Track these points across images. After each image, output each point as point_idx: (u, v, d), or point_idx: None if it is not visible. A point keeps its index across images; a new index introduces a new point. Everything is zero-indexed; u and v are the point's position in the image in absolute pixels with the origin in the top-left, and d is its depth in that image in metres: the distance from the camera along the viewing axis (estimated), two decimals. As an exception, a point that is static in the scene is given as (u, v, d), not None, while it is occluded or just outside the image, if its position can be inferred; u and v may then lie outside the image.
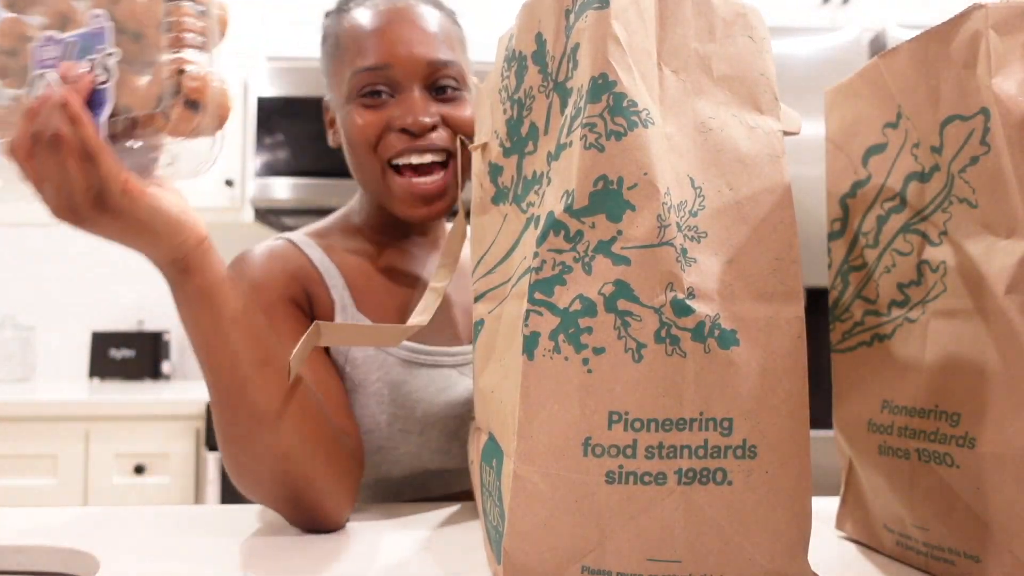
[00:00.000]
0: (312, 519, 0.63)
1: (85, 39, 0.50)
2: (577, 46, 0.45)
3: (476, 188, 0.57)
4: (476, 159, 0.57)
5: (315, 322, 0.61)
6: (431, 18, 0.75)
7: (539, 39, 0.49)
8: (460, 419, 0.77)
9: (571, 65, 0.46)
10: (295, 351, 0.59)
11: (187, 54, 0.48)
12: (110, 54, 0.49)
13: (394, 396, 0.74)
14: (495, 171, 0.54)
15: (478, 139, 0.58)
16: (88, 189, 0.47)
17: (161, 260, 0.54)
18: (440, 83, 0.74)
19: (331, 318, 0.75)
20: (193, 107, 0.47)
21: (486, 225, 0.55)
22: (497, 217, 0.54)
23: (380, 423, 0.73)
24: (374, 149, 0.73)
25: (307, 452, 0.59)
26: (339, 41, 0.76)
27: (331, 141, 0.81)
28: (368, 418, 0.74)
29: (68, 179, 0.47)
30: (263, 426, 0.57)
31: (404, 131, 0.72)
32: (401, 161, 0.73)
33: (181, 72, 0.47)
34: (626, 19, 0.43)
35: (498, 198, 0.54)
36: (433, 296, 0.68)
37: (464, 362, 0.79)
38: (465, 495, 0.80)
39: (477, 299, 0.56)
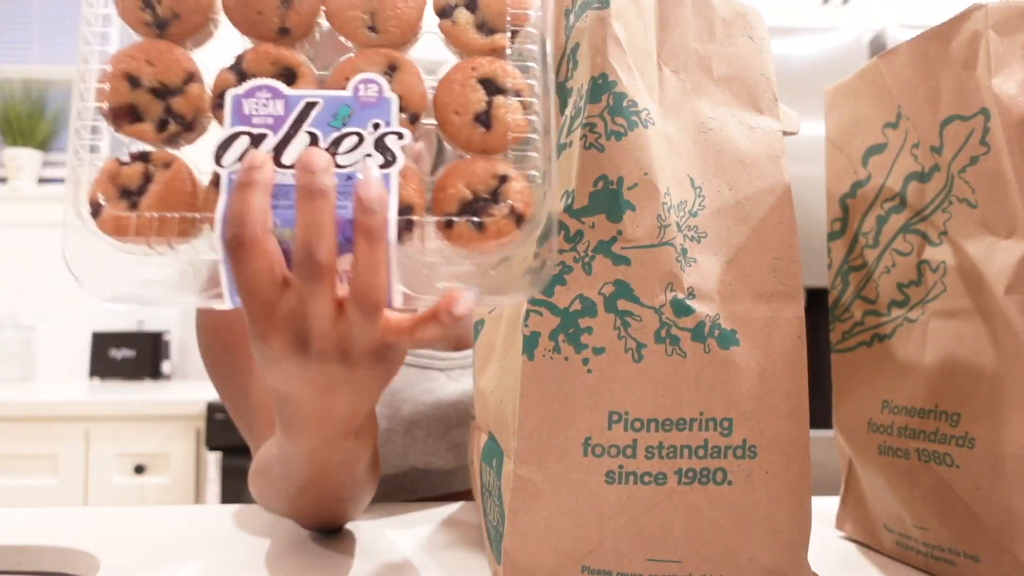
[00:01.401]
0: (334, 525, 0.63)
1: (336, 105, 0.37)
2: (577, 46, 0.45)
3: None
4: None
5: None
6: None
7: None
8: (446, 421, 0.78)
9: (571, 65, 0.46)
10: None
11: (517, 156, 0.37)
12: (399, 134, 0.37)
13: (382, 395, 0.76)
14: None
15: None
16: (368, 340, 0.36)
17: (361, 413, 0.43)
18: None
19: None
20: (517, 219, 0.37)
21: None
22: None
23: None
24: None
25: (359, 495, 0.58)
26: None
27: None
28: None
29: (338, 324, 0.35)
30: (342, 502, 0.56)
31: None
32: None
33: (503, 178, 0.37)
34: (626, 19, 0.43)
35: None
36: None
37: (452, 367, 0.81)
38: (451, 497, 0.81)
39: None
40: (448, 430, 0.78)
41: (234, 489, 1.76)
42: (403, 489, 0.79)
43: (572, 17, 0.46)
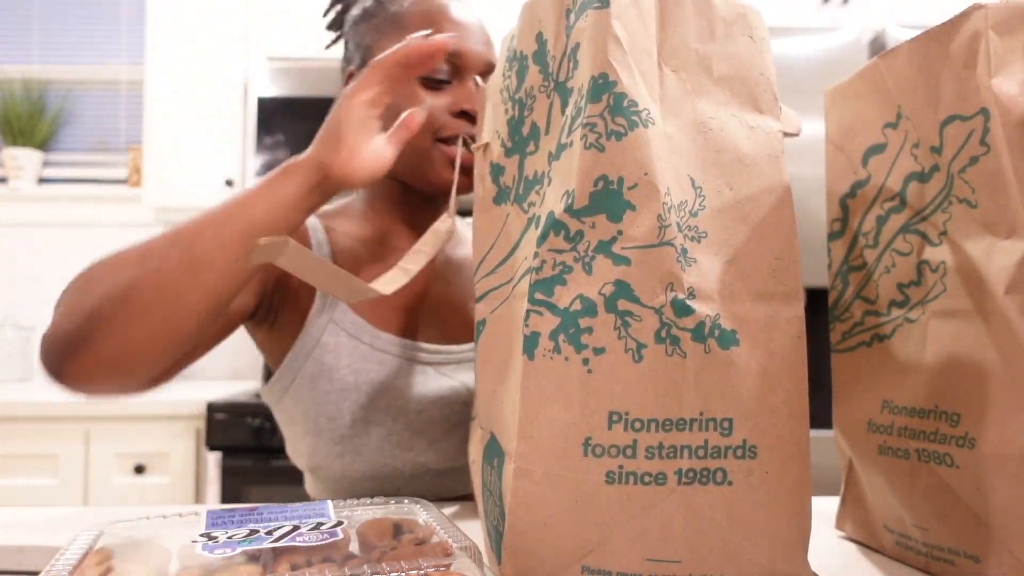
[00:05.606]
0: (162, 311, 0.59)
1: None
2: (578, 46, 0.45)
3: (478, 188, 0.57)
4: (478, 159, 0.57)
5: (287, 239, 0.59)
6: (480, 20, 0.82)
7: (540, 39, 0.49)
8: (427, 415, 0.76)
9: (571, 65, 0.46)
10: (260, 243, 0.56)
11: None
12: None
13: (359, 383, 0.74)
14: (497, 171, 0.54)
15: (480, 139, 0.58)
16: None
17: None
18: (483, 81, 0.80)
19: (308, 300, 0.77)
20: None
21: (488, 225, 0.55)
22: (499, 217, 0.53)
23: (343, 410, 0.74)
24: (430, 126, 0.76)
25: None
26: (400, 17, 0.79)
27: None
28: (331, 405, 0.74)
29: None
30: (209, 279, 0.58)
31: (463, 114, 0.76)
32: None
33: None
34: (626, 19, 0.43)
35: (500, 198, 0.54)
36: (400, 274, 0.67)
37: (445, 361, 0.79)
38: (441, 501, 0.80)
39: (479, 299, 0.56)
40: (428, 425, 0.76)
41: (234, 489, 1.76)
42: (387, 493, 0.78)
43: (573, 17, 0.46)
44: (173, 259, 0.57)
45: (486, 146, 0.56)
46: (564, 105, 0.46)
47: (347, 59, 0.85)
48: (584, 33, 0.44)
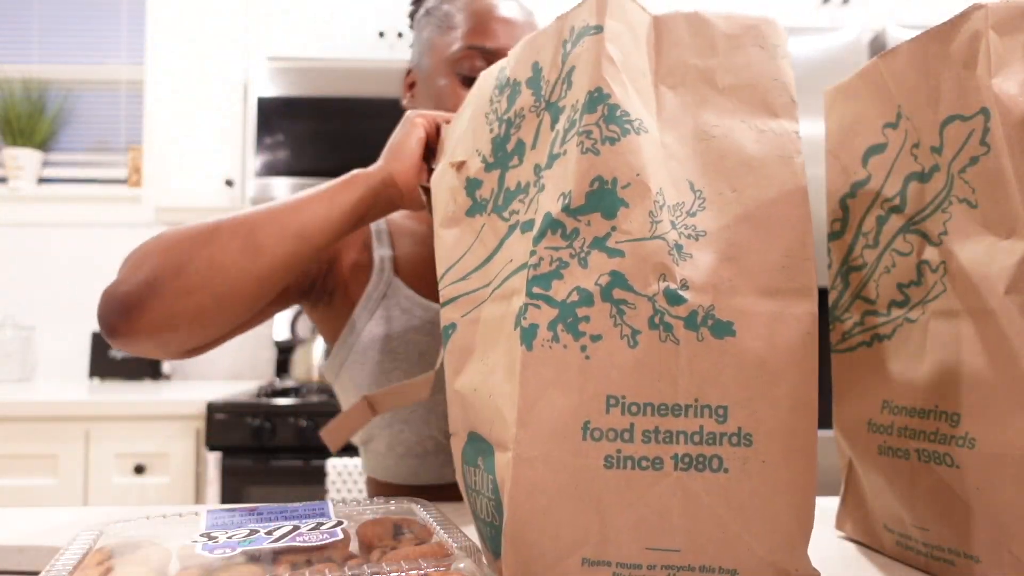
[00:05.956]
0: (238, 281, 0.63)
1: None
2: (573, 69, 0.47)
3: (446, 203, 0.58)
4: (449, 176, 0.58)
5: (364, 397, 0.67)
6: (529, 18, 0.84)
7: (535, 67, 0.52)
8: None
9: (565, 87, 0.48)
10: (334, 424, 0.66)
11: None
12: None
13: (408, 353, 0.79)
14: (473, 185, 0.56)
15: (453, 157, 0.59)
16: None
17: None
18: None
19: (364, 277, 0.81)
20: None
21: (459, 236, 0.56)
22: (473, 228, 0.55)
23: (392, 379, 0.78)
24: None
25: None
26: (451, 15, 0.82)
27: (406, 104, 0.89)
28: (383, 375, 0.78)
29: None
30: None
31: None
32: None
33: None
34: (620, 42, 0.46)
35: (474, 210, 0.55)
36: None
37: None
38: None
39: (445, 304, 0.56)
40: None
41: (234, 489, 1.76)
42: (430, 470, 0.80)
43: (569, 46, 0.49)
44: (233, 243, 0.61)
45: (462, 164, 0.57)
46: (554, 122, 0.49)
47: (411, 57, 0.88)
48: (580, 57, 0.47)
